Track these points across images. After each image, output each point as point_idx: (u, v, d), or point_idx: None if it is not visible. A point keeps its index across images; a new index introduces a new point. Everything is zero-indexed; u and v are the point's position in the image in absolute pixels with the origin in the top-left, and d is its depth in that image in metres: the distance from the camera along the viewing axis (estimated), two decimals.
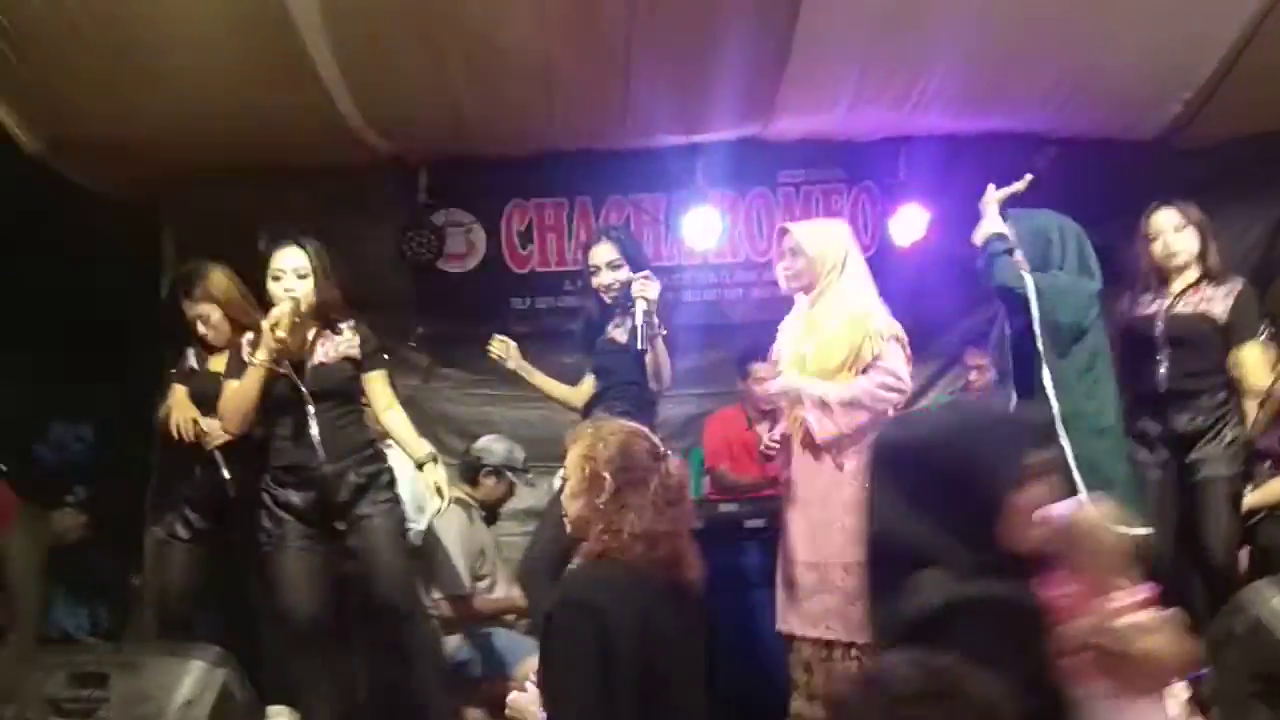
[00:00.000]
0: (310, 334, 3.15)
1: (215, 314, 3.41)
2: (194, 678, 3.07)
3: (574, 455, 2.11)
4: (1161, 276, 3.37)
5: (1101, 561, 1.69)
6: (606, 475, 2.04)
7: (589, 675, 1.90)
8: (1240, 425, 3.30)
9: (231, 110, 3.65)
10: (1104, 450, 3.06)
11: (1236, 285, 3.32)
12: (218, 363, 3.41)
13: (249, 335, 3.16)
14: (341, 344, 3.17)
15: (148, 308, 4.11)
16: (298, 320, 3.04)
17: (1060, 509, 1.71)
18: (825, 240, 3.23)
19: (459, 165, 4.38)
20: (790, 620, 3.13)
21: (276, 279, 3.11)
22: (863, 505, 3.10)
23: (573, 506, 2.10)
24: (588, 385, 3.57)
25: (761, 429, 4.28)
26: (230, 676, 3.18)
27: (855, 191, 4.73)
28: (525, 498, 4.12)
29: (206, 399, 3.35)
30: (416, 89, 3.72)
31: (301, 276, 3.11)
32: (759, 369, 4.25)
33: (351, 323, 3.22)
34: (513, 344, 3.63)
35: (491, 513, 4.03)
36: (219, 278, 3.42)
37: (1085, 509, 2.00)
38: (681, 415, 4.46)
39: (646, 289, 3.23)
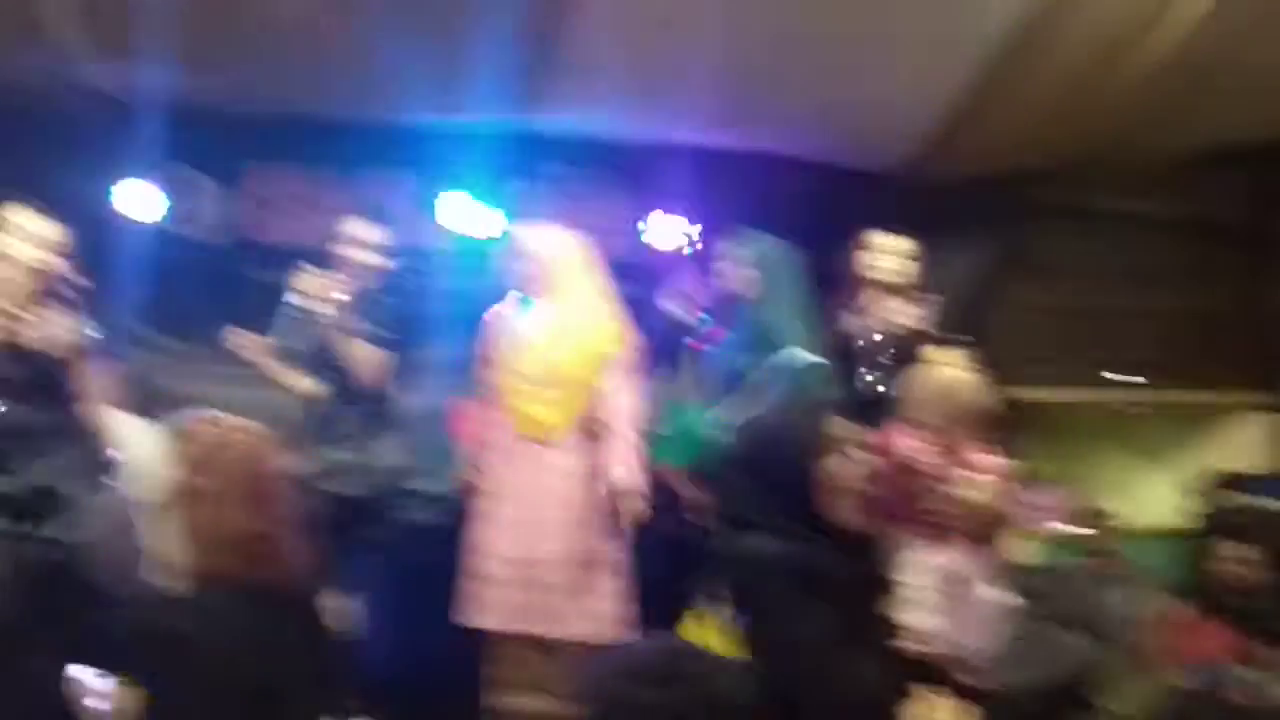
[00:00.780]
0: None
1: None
2: None
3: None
4: (869, 294, 3.69)
5: (956, 419, 1.80)
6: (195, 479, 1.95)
7: None
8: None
9: None
10: None
11: (930, 301, 3.66)
12: None
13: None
14: (58, 328, 2.84)
15: None
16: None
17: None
18: (554, 246, 3.28)
19: (197, 121, 4.03)
20: (491, 616, 3.12)
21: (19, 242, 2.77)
22: (575, 501, 3.18)
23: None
24: (379, 355, 3.42)
25: None
26: None
27: (616, 193, 4.77)
28: None
29: None
30: (154, 32, 3.39)
31: (38, 245, 2.79)
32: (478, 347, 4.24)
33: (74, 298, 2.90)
34: (253, 337, 3.41)
35: None
36: None
37: (947, 369, 2.14)
38: (426, 406, 4.30)
39: (304, 282, 3.10)
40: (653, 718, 1.23)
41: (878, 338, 3.66)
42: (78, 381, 2.93)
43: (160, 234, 3.98)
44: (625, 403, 3.35)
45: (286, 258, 4.29)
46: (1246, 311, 5.99)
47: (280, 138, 4.24)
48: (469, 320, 4.43)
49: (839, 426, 1.79)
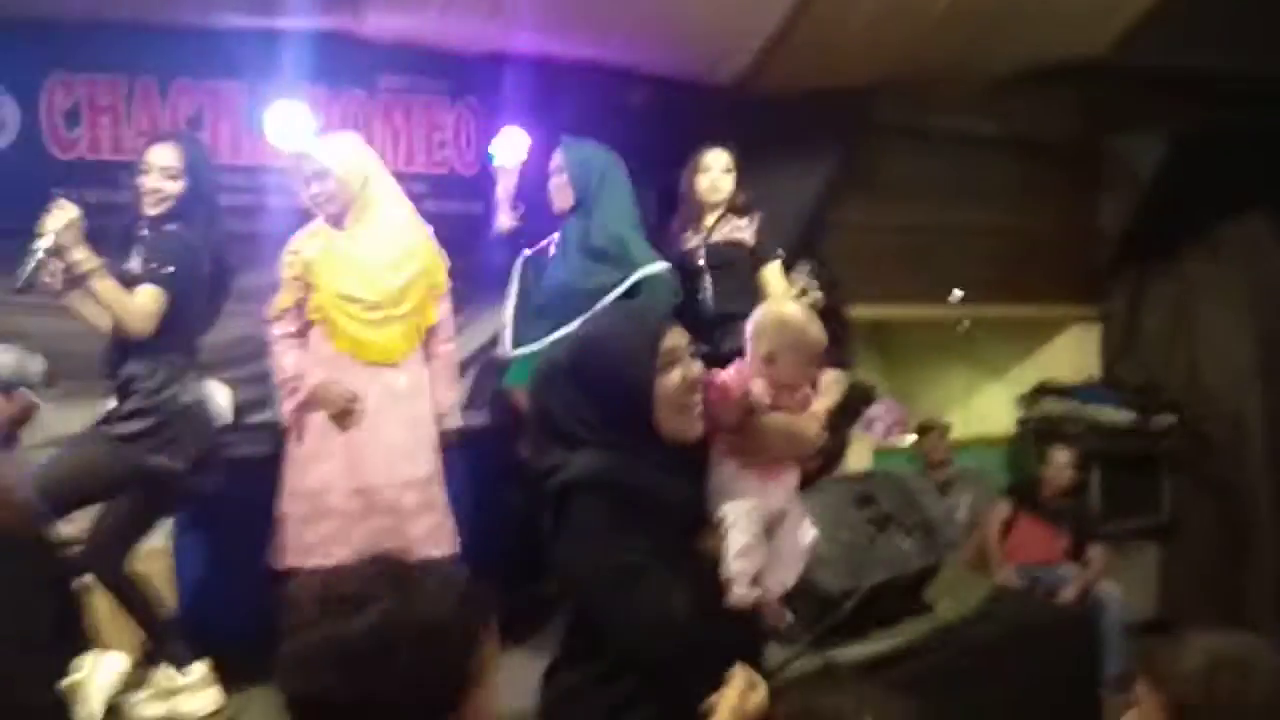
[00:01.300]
0: None
1: None
2: None
3: None
4: (701, 212, 3.73)
5: (794, 353, 1.82)
6: None
7: None
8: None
9: None
10: None
11: (757, 215, 3.77)
12: None
13: None
14: None
15: None
16: None
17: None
18: (351, 157, 3.17)
19: None
20: (337, 550, 3.05)
21: None
22: (421, 421, 3.13)
23: None
24: (145, 298, 3.02)
25: None
26: None
27: (458, 107, 4.62)
28: (58, 422, 3.61)
29: None
30: None
31: None
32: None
33: None
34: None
35: (6, 436, 3.50)
36: None
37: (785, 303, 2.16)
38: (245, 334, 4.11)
39: (53, 219, 2.87)
40: (349, 646, 1.19)
41: (706, 253, 3.71)
42: None
43: None
44: (449, 328, 3.35)
45: (96, 173, 4.02)
46: (1073, 228, 6.32)
47: (89, 45, 3.91)
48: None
49: (676, 336, 1.78)
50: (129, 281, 2.95)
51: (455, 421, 3.35)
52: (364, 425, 3.11)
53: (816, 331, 1.92)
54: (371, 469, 3.08)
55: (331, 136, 3.29)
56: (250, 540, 3.30)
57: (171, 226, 3.04)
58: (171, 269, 2.93)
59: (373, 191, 3.18)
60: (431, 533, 3.17)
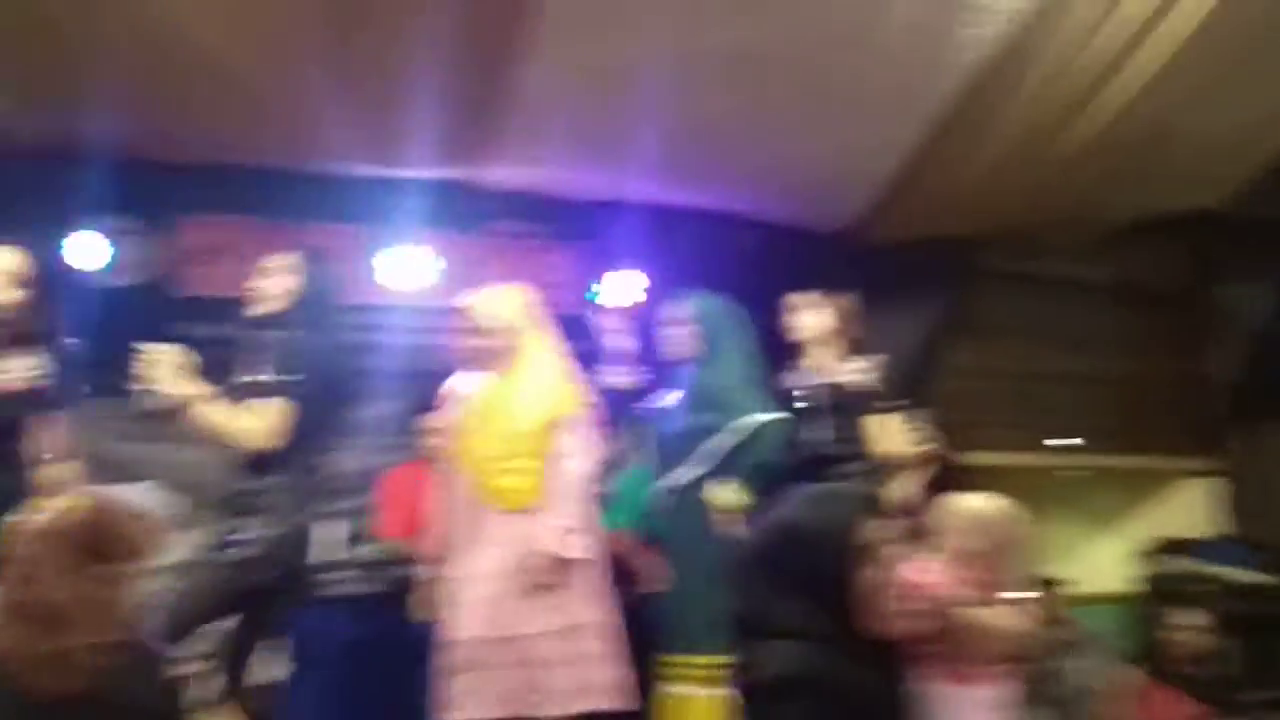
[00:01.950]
0: None
1: None
2: None
3: None
4: (809, 353, 3.64)
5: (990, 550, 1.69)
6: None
7: None
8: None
9: None
10: None
11: (874, 358, 3.62)
12: None
13: None
14: (21, 371, 2.69)
15: None
16: None
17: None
18: (506, 309, 3.14)
19: (134, 167, 3.84)
20: (467, 705, 2.90)
21: None
22: (553, 569, 2.99)
23: None
24: (270, 411, 2.89)
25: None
26: None
27: (565, 249, 4.68)
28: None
29: None
30: (82, 74, 3.23)
31: (12, 284, 2.69)
32: (433, 421, 4.03)
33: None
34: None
35: None
36: None
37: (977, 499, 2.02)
38: (362, 467, 4.10)
39: (150, 365, 2.82)
40: None
41: (819, 396, 3.60)
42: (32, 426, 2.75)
43: (101, 285, 3.76)
44: (574, 466, 3.19)
45: (215, 310, 4.12)
46: (1185, 378, 6.10)
47: (218, 187, 4.07)
48: (405, 379, 4.29)
49: (874, 529, 1.67)
50: (256, 392, 2.88)
51: (570, 550, 3.12)
52: (498, 573, 3.00)
53: (1023, 529, 1.80)
54: (511, 619, 2.93)
55: (494, 290, 3.29)
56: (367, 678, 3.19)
57: (283, 333, 2.97)
58: (295, 377, 2.87)
59: (523, 341, 3.14)
60: (580, 686, 2.97)
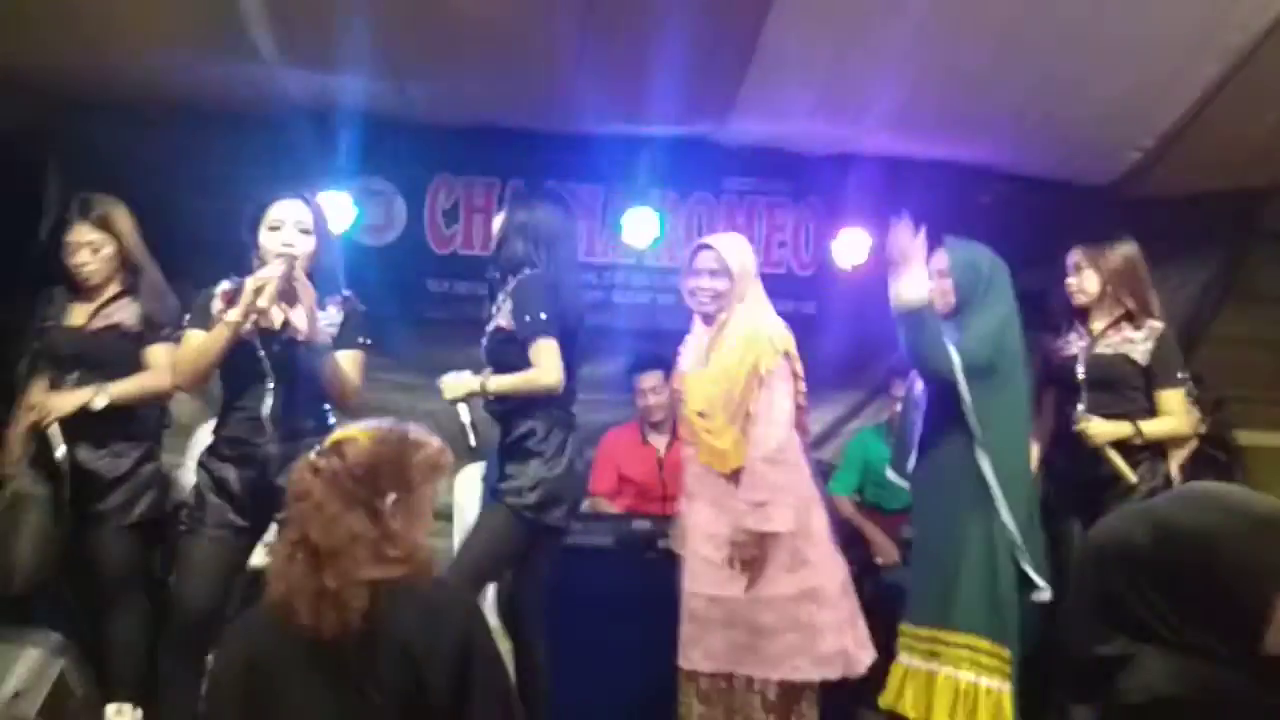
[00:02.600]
0: (294, 302, 2.74)
1: (109, 247, 3.10)
2: (27, 667, 2.74)
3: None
4: (1082, 317, 3.36)
5: None
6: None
7: None
8: (1155, 473, 3.25)
9: (138, 41, 3.31)
10: (1026, 502, 2.98)
11: (1158, 329, 3.29)
12: (79, 314, 3.10)
13: (224, 285, 2.81)
14: (321, 321, 2.77)
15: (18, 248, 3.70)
16: (287, 285, 2.68)
17: None
18: (745, 256, 3.09)
19: (385, 128, 4.06)
20: (692, 655, 2.94)
21: (274, 229, 2.75)
22: (754, 544, 2.92)
23: None
24: (548, 352, 2.89)
25: (657, 441, 4.13)
26: (69, 667, 2.86)
27: (800, 207, 4.58)
28: None
29: (57, 358, 3.05)
30: (342, 33, 3.39)
31: (304, 232, 2.78)
32: (646, 379, 4.10)
33: (342, 297, 2.88)
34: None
35: None
36: (124, 212, 3.15)
37: None
38: (599, 423, 4.21)
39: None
40: None
41: (1087, 364, 3.32)
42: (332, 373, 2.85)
43: (349, 244, 3.98)
44: (771, 429, 2.94)
45: (468, 268, 4.30)
46: None
47: (469, 148, 4.23)
48: (635, 338, 4.34)
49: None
50: (535, 331, 2.89)
51: (765, 524, 3.04)
52: (718, 537, 3.00)
53: None
54: (725, 581, 2.95)
55: (725, 236, 3.25)
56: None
57: (527, 272, 2.95)
58: (547, 315, 2.87)
59: (749, 293, 3.10)
60: (792, 653, 2.95)
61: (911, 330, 2.94)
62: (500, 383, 2.92)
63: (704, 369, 3.05)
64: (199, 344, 2.75)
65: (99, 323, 3.10)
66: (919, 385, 3.16)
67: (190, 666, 2.75)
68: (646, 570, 3.47)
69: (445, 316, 4.28)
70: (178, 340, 2.94)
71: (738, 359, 2.97)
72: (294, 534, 1.73)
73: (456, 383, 2.93)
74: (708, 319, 3.09)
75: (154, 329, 3.13)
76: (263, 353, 2.75)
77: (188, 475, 3.92)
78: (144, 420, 3.18)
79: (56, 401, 3.00)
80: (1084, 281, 3.33)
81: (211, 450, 2.84)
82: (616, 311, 4.38)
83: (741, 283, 3.04)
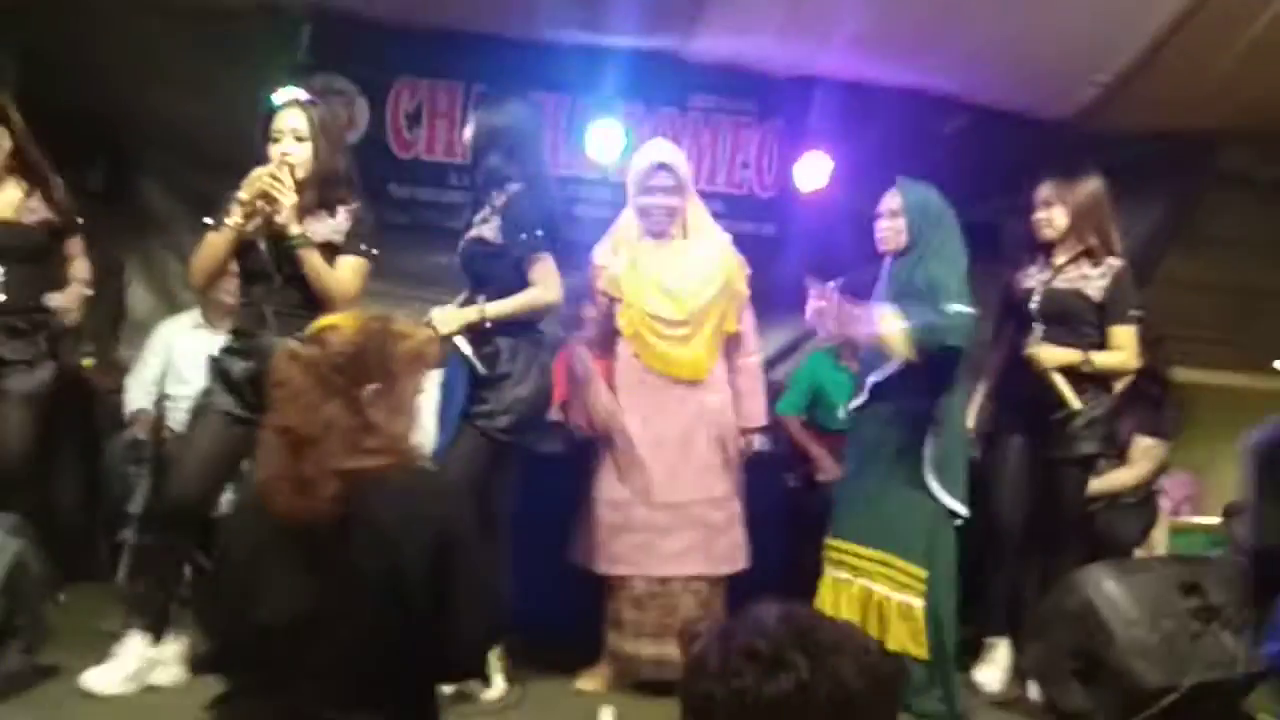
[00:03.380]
0: (297, 205, 2.79)
1: (4, 141, 3.11)
2: None
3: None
4: (1046, 251, 3.40)
5: None
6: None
7: None
8: (1099, 403, 3.34)
9: None
10: (957, 443, 3.11)
11: (1116, 266, 3.34)
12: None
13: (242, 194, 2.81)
14: (327, 227, 2.85)
15: None
16: (281, 188, 2.73)
17: None
18: (687, 171, 3.15)
19: (348, 26, 3.99)
20: (627, 560, 3.06)
21: (275, 140, 2.81)
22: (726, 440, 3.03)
23: None
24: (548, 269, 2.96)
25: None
26: (25, 547, 2.90)
27: (764, 128, 4.59)
28: None
29: None
30: None
31: (299, 140, 2.81)
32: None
33: (353, 207, 2.91)
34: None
35: None
36: (13, 111, 3.14)
37: None
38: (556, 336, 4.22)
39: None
40: (759, 709, 1.11)
41: (1041, 298, 3.40)
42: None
43: None
44: (752, 339, 3.29)
45: (430, 173, 4.29)
46: None
47: (433, 51, 4.17)
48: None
49: None
50: (500, 255, 2.94)
51: (763, 443, 3.26)
52: (674, 440, 3.11)
53: None
54: (682, 485, 3.07)
55: (671, 149, 3.27)
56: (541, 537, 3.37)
57: (515, 188, 2.95)
58: (543, 232, 2.91)
59: (692, 209, 3.18)
60: (733, 550, 3.13)
61: (922, 340, 2.97)
62: (500, 308, 2.91)
63: (684, 283, 3.12)
64: (204, 246, 2.85)
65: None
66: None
67: (171, 547, 2.87)
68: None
69: (406, 222, 4.27)
70: None
71: (715, 274, 3.08)
72: (275, 421, 1.72)
73: (451, 316, 2.91)
74: (660, 235, 3.15)
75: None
76: (265, 251, 2.82)
77: (144, 369, 3.96)
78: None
79: None
80: (1053, 216, 3.35)
81: (225, 347, 2.92)
82: (578, 226, 4.39)
83: (689, 198, 3.12)
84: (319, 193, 2.85)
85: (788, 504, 4.01)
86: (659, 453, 3.09)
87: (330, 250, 2.85)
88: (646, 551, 3.05)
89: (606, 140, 4.25)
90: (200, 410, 2.88)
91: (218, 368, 2.88)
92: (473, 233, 3.00)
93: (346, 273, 2.87)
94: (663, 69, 4.26)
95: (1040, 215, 3.38)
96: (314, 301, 2.85)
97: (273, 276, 2.84)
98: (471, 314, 2.91)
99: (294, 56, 3.99)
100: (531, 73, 4.20)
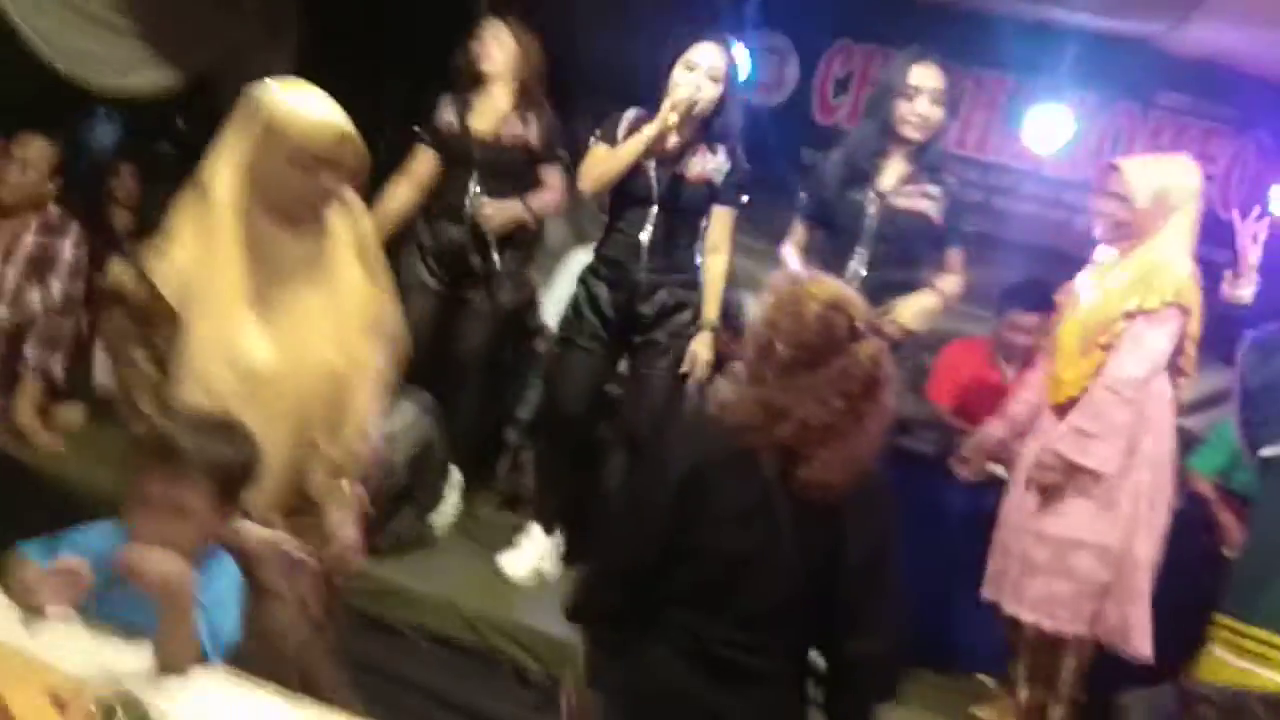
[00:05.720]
0: (689, 142, 2.94)
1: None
2: (403, 417, 3.10)
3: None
4: None
5: None
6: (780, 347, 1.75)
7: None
8: None
9: None
10: None
11: None
12: (481, 118, 3.30)
13: (630, 113, 3.00)
14: (709, 164, 2.95)
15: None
16: (683, 120, 2.85)
17: None
18: (1164, 183, 2.67)
19: None
20: (1003, 593, 2.78)
21: (690, 69, 2.90)
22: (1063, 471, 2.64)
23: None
24: None
25: (1005, 369, 3.75)
26: (433, 427, 3.22)
27: (1242, 140, 3.94)
28: None
29: (461, 159, 3.29)
30: None
31: (714, 79, 2.90)
32: (1026, 319, 3.62)
33: (730, 147, 2.99)
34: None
35: None
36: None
37: None
38: (950, 330, 3.95)
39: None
40: None
41: None
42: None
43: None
44: (1125, 366, 2.64)
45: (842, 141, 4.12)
46: None
47: (873, 17, 4.01)
48: (1024, 250, 3.98)
49: None
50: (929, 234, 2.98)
51: (1080, 455, 2.74)
52: (1027, 465, 2.78)
53: None
54: (1122, 531, 2.72)
55: (1158, 158, 2.90)
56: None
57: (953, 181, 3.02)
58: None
59: (1167, 227, 2.71)
60: (1052, 600, 2.68)
61: None
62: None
63: (1091, 299, 2.77)
64: (608, 155, 2.94)
65: (508, 131, 3.29)
66: None
67: (559, 459, 3.16)
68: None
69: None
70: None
71: (1119, 295, 2.66)
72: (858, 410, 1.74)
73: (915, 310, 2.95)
74: (1110, 244, 2.79)
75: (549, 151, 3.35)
76: (654, 178, 2.90)
77: (556, 290, 4.23)
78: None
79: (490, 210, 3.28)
80: None
81: (591, 268, 3.06)
82: (995, 218, 4.06)
83: (1149, 216, 2.67)
84: (707, 131, 2.91)
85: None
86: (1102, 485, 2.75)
87: (708, 187, 2.93)
88: (1068, 606, 2.71)
89: (1049, 129, 3.86)
90: (576, 331, 3.04)
91: (588, 291, 3.02)
92: (904, 204, 2.91)
93: (722, 226, 3.00)
94: (1131, 57, 3.77)
95: None
96: (686, 243, 2.98)
97: (652, 204, 2.91)
98: (931, 301, 2.95)
99: (742, 8, 3.99)
100: (976, 46, 3.87)
